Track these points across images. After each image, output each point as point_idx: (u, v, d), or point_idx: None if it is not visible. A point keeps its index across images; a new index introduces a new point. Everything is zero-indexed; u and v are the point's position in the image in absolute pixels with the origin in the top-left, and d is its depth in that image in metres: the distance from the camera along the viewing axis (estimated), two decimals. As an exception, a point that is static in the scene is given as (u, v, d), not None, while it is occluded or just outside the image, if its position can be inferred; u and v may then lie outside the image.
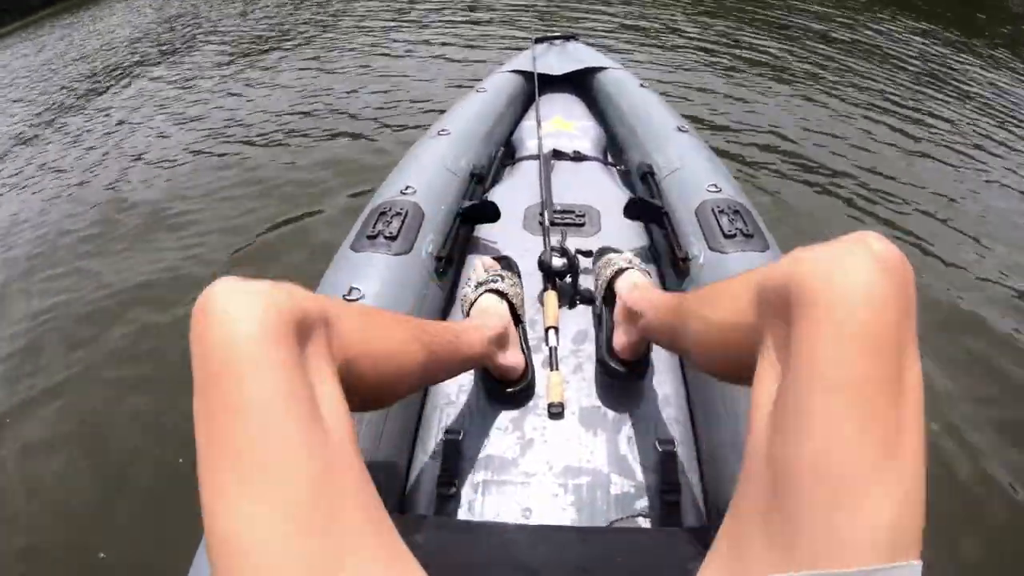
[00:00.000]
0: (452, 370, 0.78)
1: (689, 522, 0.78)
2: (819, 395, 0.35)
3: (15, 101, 5.13)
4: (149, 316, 2.00)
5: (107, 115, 4.07)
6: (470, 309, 0.91)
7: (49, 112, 4.45)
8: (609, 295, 0.93)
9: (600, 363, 0.90)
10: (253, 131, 3.38)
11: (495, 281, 0.93)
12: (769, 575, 0.34)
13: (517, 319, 0.94)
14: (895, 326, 0.35)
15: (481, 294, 0.92)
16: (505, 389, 0.89)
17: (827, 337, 0.35)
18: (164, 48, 5.72)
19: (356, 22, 5.56)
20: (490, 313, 0.88)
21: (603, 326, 0.93)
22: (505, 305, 0.92)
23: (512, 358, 0.88)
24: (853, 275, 0.35)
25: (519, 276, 1.02)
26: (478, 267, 0.99)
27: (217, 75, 4.51)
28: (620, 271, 0.92)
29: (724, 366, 0.55)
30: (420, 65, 4.14)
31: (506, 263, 1.03)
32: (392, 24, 5.35)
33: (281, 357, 0.39)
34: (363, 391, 0.51)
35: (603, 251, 1.02)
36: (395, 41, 4.78)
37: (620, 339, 0.85)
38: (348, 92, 3.77)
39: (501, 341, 0.85)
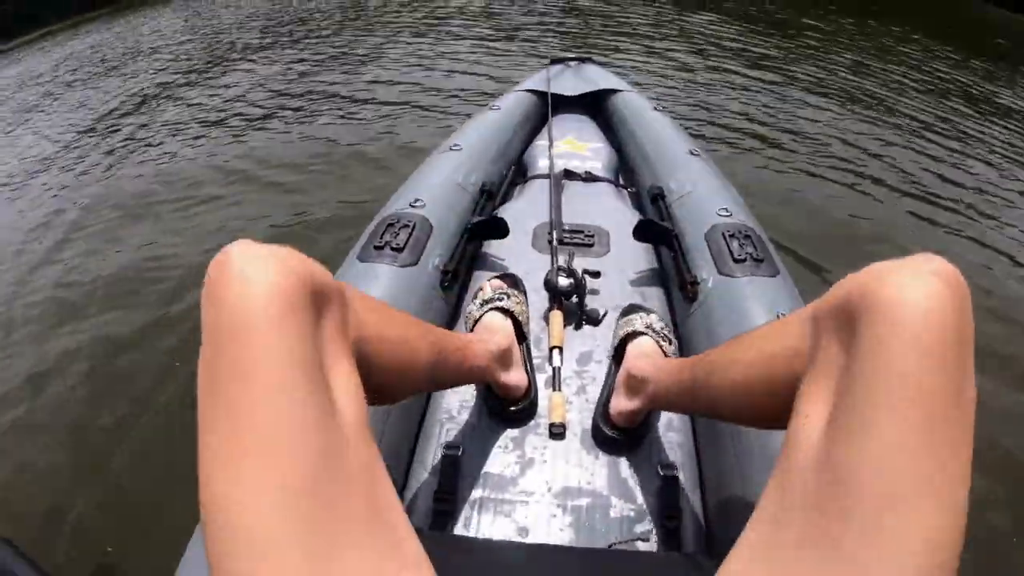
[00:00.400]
0: (457, 378, 0.77)
1: (689, 548, 0.76)
2: (886, 401, 0.36)
3: (48, 95, 5.24)
4: (112, 328, 1.99)
5: (120, 130, 4.14)
6: (474, 326, 0.90)
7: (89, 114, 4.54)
8: (620, 354, 0.91)
9: (593, 427, 0.88)
10: (261, 141, 3.43)
11: (500, 299, 0.92)
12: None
13: (522, 337, 0.93)
14: (961, 343, 0.37)
15: (486, 311, 0.91)
16: (507, 407, 0.88)
17: (898, 347, 0.36)
18: (191, 61, 5.83)
19: (378, 38, 5.66)
20: (494, 331, 0.87)
21: (606, 385, 0.91)
22: (510, 323, 0.90)
23: (515, 376, 0.86)
24: (924, 291, 0.37)
25: (525, 295, 1.01)
26: (485, 286, 0.98)
27: (236, 89, 4.59)
28: (633, 334, 0.89)
29: (762, 406, 0.52)
30: (435, 81, 4.20)
31: (512, 281, 1.02)
32: (413, 42, 5.45)
33: (296, 324, 0.38)
34: (373, 378, 0.49)
35: (631, 308, 0.98)
36: (413, 57, 4.88)
37: (618, 405, 0.83)
38: (360, 104, 3.83)
39: (505, 359, 0.84)
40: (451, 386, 0.89)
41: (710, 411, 0.65)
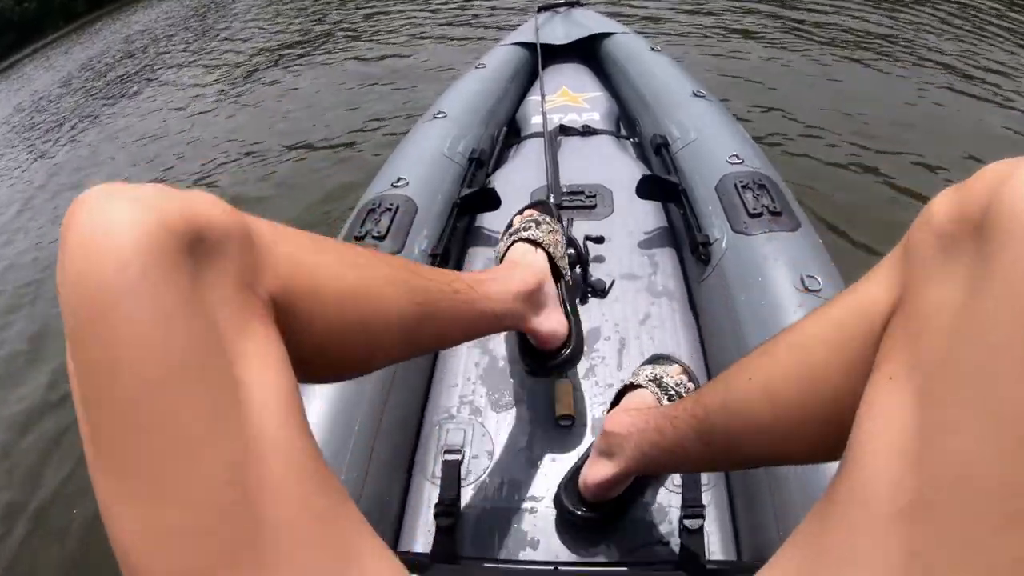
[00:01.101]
0: (461, 332, 0.60)
1: (715, 555, 0.68)
2: None
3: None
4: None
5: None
6: (501, 261, 0.76)
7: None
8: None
9: (555, 501, 0.71)
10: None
11: (527, 228, 0.77)
12: None
13: (558, 274, 0.76)
14: None
15: (511, 244, 0.76)
16: (547, 360, 0.73)
17: None
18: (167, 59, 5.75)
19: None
20: (521, 265, 0.71)
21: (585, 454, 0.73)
22: (542, 255, 0.74)
23: (553, 319, 0.70)
24: None
25: (560, 222, 0.84)
26: (514, 220, 0.83)
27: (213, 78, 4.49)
28: (631, 387, 0.71)
29: (828, 417, 0.36)
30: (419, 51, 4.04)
31: (544, 207, 0.86)
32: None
33: (171, 286, 0.28)
34: (308, 349, 0.37)
35: (654, 358, 0.80)
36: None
37: (592, 473, 0.63)
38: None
39: (534, 299, 0.68)
40: (452, 344, 0.69)
41: (730, 450, 0.46)
